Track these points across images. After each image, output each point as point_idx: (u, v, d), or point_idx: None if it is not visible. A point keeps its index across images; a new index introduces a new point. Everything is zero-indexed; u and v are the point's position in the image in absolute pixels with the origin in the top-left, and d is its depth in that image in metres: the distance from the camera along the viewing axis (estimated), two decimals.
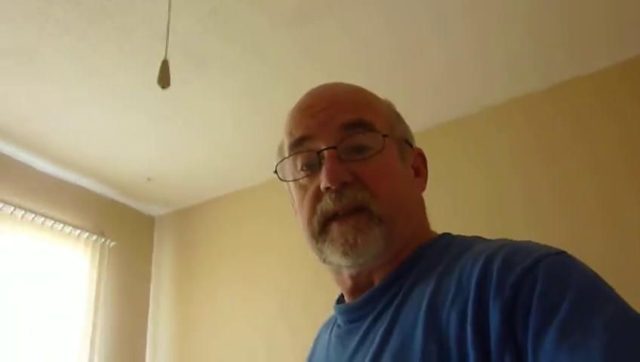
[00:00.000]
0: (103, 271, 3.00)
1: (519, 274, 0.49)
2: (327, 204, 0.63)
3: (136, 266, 3.28)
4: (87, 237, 2.96)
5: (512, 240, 0.57)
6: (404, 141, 0.71)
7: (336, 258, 0.64)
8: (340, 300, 0.75)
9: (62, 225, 2.85)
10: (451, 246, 0.64)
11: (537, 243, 0.55)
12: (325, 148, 0.64)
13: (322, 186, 0.63)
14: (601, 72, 2.22)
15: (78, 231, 2.92)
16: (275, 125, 2.59)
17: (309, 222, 0.66)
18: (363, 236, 0.62)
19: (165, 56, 1.42)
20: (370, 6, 1.91)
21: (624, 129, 2.12)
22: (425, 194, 0.74)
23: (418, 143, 0.76)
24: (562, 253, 0.52)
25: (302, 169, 0.68)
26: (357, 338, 0.64)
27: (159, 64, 2.12)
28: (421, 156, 0.74)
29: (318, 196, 0.65)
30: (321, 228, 0.65)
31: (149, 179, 3.03)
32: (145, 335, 3.21)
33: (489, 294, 0.50)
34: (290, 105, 2.52)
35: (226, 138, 2.72)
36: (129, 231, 3.30)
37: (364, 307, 0.66)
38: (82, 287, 2.86)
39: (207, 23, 1.94)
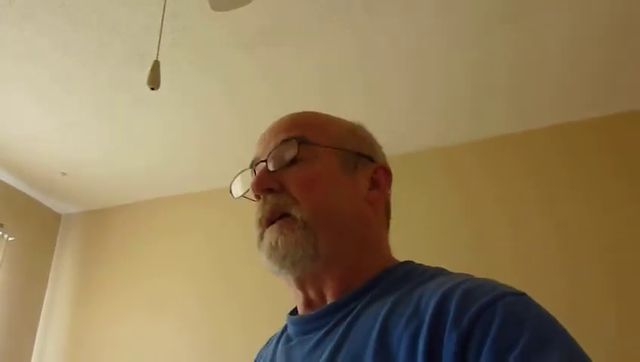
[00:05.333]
0: None
1: (478, 309, 0.50)
2: (257, 213, 0.68)
3: (33, 266, 3.03)
4: None
5: (475, 277, 0.58)
6: (356, 153, 0.73)
7: (264, 261, 0.67)
8: (294, 313, 0.75)
9: None
10: (413, 273, 0.65)
11: (499, 282, 0.56)
12: (255, 163, 0.71)
13: (253, 194, 0.69)
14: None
15: None
16: (206, 141, 2.65)
17: (254, 232, 0.70)
18: (283, 238, 0.64)
19: (157, 55, 1.38)
20: (335, 36, 1.99)
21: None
22: None
23: None
24: (522, 294, 0.53)
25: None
26: (305, 350, 0.64)
27: (101, 54, 2.06)
28: (384, 170, 0.75)
29: (257, 210, 0.70)
30: (259, 239, 0.68)
31: (63, 173, 2.85)
32: (32, 341, 2.95)
33: (446, 324, 0.50)
34: (228, 124, 2.54)
35: (152, 144, 2.65)
36: (32, 226, 3.06)
37: (318, 320, 0.66)
38: None
39: (164, 25, 1.91)
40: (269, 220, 0.67)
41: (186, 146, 2.67)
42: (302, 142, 0.68)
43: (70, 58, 2.09)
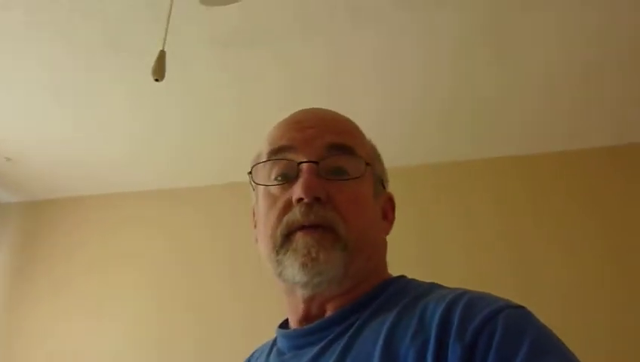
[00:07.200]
0: None
1: (480, 321, 0.51)
2: (295, 215, 0.62)
3: None
4: None
5: (471, 290, 0.59)
6: (380, 180, 0.71)
7: (294, 269, 0.61)
8: (283, 325, 0.72)
9: None
10: (409, 287, 0.66)
11: (497, 296, 0.57)
12: (306, 161, 0.64)
13: (295, 197, 0.62)
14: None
15: None
16: (166, 137, 2.57)
17: (273, 232, 0.64)
18: (325, 253, 0.60)
19: (163, 46, 1.32)
20: (307, 40, 1.98)
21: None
22: None
23: None
24: (521, 307, 0.55)
25: (276, 178, 0.66)
26: None
27: (67, 32, 1.94)
28: (391, 201, 0.74)
29: (287, 207, 0.63)
30: (283, 239, 0.63)
31: (8, 159, 2.68)
32: None
33: (450, 337, 0.51)
34: (193, 122, 2.40)
35: (109, 136, 2.54)
36: None
37: (314, 334, 0.63)
38: None
39: (141, 12, 1.84)
40: (307, 225, 0.62)
41: (144, 144, 2.57)
42: (367, 163, 0.66)
43: (30, 34, 1.97)
